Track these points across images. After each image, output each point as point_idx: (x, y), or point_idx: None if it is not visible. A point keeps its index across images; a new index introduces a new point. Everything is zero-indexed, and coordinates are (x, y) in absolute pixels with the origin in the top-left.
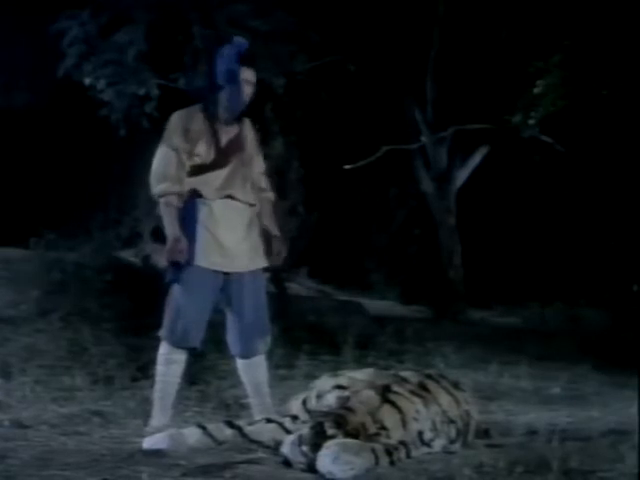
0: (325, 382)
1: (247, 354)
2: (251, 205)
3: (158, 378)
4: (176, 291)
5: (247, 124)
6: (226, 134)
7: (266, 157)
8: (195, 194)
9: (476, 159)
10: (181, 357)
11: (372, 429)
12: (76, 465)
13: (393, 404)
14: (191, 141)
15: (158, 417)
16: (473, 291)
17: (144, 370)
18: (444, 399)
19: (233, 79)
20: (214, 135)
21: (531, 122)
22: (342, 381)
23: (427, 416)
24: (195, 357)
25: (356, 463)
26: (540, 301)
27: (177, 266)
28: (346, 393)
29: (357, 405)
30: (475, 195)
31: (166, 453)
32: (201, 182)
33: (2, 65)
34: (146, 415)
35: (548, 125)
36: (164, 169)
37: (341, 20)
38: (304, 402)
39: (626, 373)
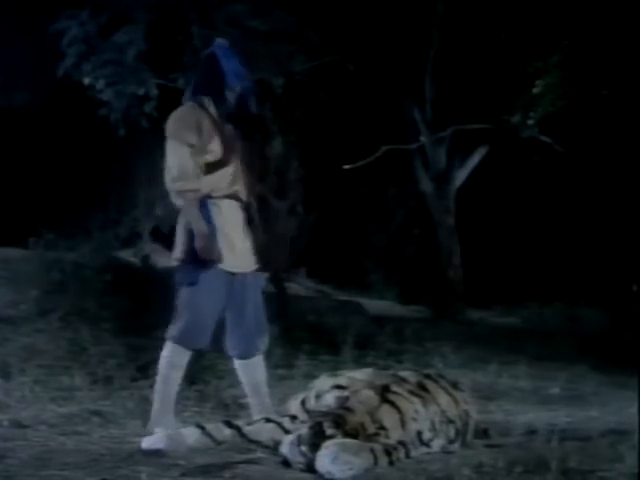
0: (324, 382)
1: (247, 354)
2: (247, 203)
3: (161, 381)
4: (192, 292)
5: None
6: (228, 131)
7: (265, 157)
8: (209, 194)
9: (475, 159)
10: (185, 360)
11: (371, 429)
12: (75, 465)
13: (392, 404)
14: (204, 138)
15: (158, 420)
16: (472, 291)
17: (143, 370)
18: (443, 399)
19: (244, 78)
20: (222, 132)
21: (530, 122)
22: (341, 381)
23: (426, 416)
24: (194, 357)
25: (355, 463)
26: (539, 301)
27: (193, 268)
28: (345, 393)
29: (356, 405)
30: (474, 195)
31: (165, 453)
32: (214, 180)
33: (1, 65)
34: (145, 415)
35: (547, 125)
36: (182, 166)
37: (340, 20)
38: (303, 402)
39: (625, 373)
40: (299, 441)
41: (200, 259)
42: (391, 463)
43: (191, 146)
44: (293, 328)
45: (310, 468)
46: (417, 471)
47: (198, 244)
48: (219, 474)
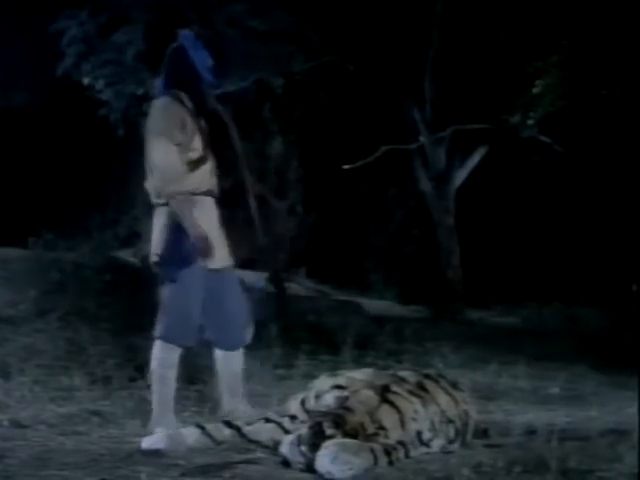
0: (324, 382)
1: (232, 346)
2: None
3: (156, 381)
4: (174, 289)
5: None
6: (203, 125)
7: (265, 157)
8: (189, 191)
9: (475, 159)
10: (176, 357)
11: (371, 429)
12: (74, 465)
13: (392, 404)
14: (188, 135)
15: (158, 420)
16: (471, 291)
17: (142, 370)
18: (443, 399)
19: (212, 73)
20: (200, 128)
21: (530, 122)
22: (341, 381)
23: (426, 416)
24: (193, 357)
25: (355, 463)
26: (538, 301)
27: (176, 265)
28: (345, 393)
29: (356, 405)
30: (474, 195)
31: (165, 453)
32: (199, 177)
33: (1, 65)
34: (144, 415)
35: (547, 125)
36: (172, 167)
37: (340, 20)
38: (303, 402)
39: (624, 373)
40: (299, 441)
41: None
42: (391, 463)
43: (178, 144)
44: (293, 328)
45: (310, 468)
46: (417, 471)
47: (198, 245)
48: (219, 474)
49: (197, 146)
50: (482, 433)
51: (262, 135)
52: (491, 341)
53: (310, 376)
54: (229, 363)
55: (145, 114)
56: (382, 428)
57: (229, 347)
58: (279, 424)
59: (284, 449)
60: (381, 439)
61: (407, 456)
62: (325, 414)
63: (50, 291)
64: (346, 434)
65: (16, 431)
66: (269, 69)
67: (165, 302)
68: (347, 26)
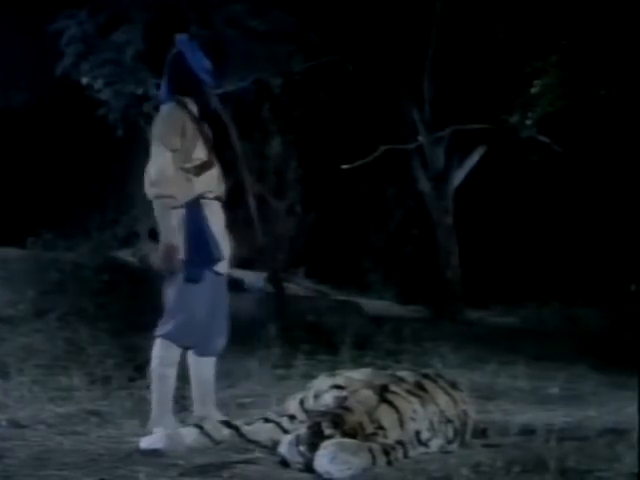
0: (323, 382)
1: (210, 352)
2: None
3: (156, 380)
4: (187, 291)
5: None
6: (207, 131)
7: (264, 157)
8: (202, 196)
9: (474, 159)
10: (177, 357)
11: (369, 429)
12: (73, 465)
13: (390, 404)
14: (188, 142)
15: (157, 420)
16: (471, 291)
17: (141, 370)
18: (441, 399)
19: (210, 74)
20: (204, 133)
21: (528, 122)
22: (339, 381)
23: (424, 416)
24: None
25: (353, 463)
26: (538, 301)
27: (202, 265)
28: (344, 393)
29: (354, 405)
30: (473, 195)
31: (163, 453)
32: (206, 182)
33: (0, 64)
34: (143, 415)
35: (545, 125)
36: (161, 171)
37: (339, 20)
38: (302, 402)
39: (623, 373)
40: (297, 441)
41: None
42: (389, 463)
43: (174, 151)
44: (292, 328)
45: (308, 468)
46: (415, 471)
47: (160, 250)
48: (217, 474)
49: (200, 152)
50: (481, 433)
51: (261, 135)
52: (490, 341)
53: (309, 376)
54: (201, 369)
55: (144, 114)
56: (381, 428)
57: (205, 353)
58: (278, 424)
59: (283, 449)
60: (380, 439)
61: (406, 456)
62: (324, 414)
63: (49, 291)
64: (345, 434)
65: (15, 431)
66: (268, 69)
67: (173, 303)
68: (346, 26)
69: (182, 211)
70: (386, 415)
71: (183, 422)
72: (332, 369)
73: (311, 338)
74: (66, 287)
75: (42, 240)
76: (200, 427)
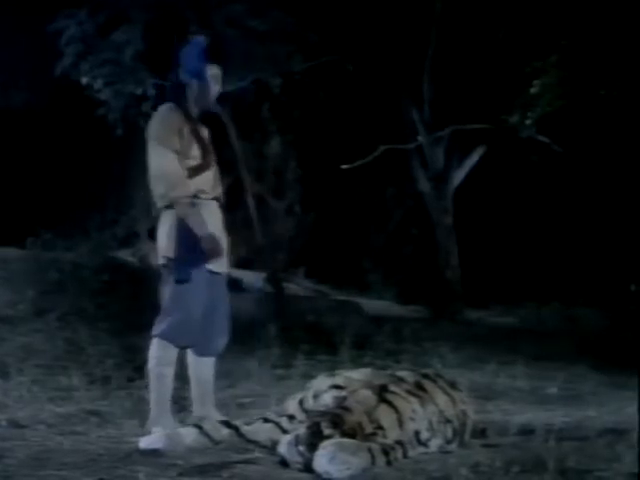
0: (322, 382)
1: (210, 352)
2: (222, 204)
3: (154, 380)
4: (181, 290)
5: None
6: (203, 133)
7: (263, 157)
8: (197, 195)
9: (473, 159)
10: (174, 356)
11: (369, 429)
12: (73, 465)
13: (390, 404)
14: (186, 142)
15: (156, 420)
16: (470, 291)
17: (141, 370)
18: (441, 399)
19: (200, 76)
20: (199, 134)
21: (528, 122)
22: (339, 381)
23: (424, 416)
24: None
25: (353, 463)
26: (537, 301)
27: (188, 265)
28: (343, 393)
29: (354, 405)
30: (472, 195)
31: (163, 453)
32: (201, 182)
33: (0, 64)
34: (143, 415)
35: (545, 125)
36: (174, 173)
37: (338, 20)
38: (301, 402)
39: (623, 373)
40: (297, 441)
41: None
42: (389, 463)
43: (177, 151)
44: (291, 328)
45: (308, 468)
46: (415, 471)
47: (206, 245)
48: (217, 474)
49: (196, 153)
50: (480, 433)
51: (261, 135)
52: (490, 341)
53: (308, 376)
54: (201, 369)
55: (143, 114)
56: (380, 428)
57: (205, 353)
58: (277, 424)
59: (282, 449)
60: (379, 439)
61: (405, 456)
62: (323, 414)
63: (49, 291)
64: (344, 434)
65: (14, 431)
66: (268, 69)
67: (168, 302)
68: (346, 26)
69: (173, 211)
70: (385, 415)
71: (182, 422)
72: (332, 369)
73: (311, 338)
74: (66, 287)
75: (42, 240)
76: (199, 427)
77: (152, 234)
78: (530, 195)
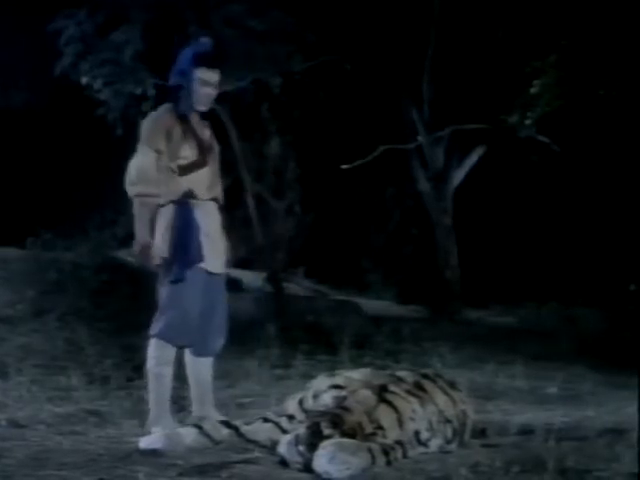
0: (322, 382)
1: (205, 353)
2: (221, 205)
3: (153, 380)
4: (176, 289)
5: (207, 124)
6: (201, 133)
7: (263, 157)
8: (189, 195)
9: (473, 159)
10: (172, 356)
11: (368, 429)
12: (72, 465)
13: (389, 404)
14: (175, 143)
15: (156, 420)
16: (469, 291)
17: (140, 370)
18: (440, 399)
19: (184, 79)
20: (194, 134)
21: (528, 122)
22: (339, 381)
23: (423, 416)
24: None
25: (352, 463)
26: (537, 301)
27: (183, 265)
28: (343, 393)
29: (354, 405)
30: (472, 195)
31: (162, 453)
32: (193, 181)
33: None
34: (142, 415)
35: (545, 125)
36: (142, 170)
37: (338, 20)
38: (301, 402)
39: (622, 373)
40: (297, 441)
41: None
42: (388, 463)
43: (158, 151)
44: (291, 328)
45: (308, 468)
46: (414, 471)
47: (135, 248)
48: (216, 474)
49: (187, 153)
50: (480, 433)
51: (260, 135)
52: (489, 341)
53: (308, 376)
54: (199, 370)
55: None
56: (380, 428)
57: (203, 353)
58: (277, 424)
59: (282, 449)
60: (379, 439)
61: (405, 456)
62: (323, 414)
63: (48, 291)
64: (344, 434)
65: (14, 431)
66: (267, 69)
67: (164, 302)
68: (345, 26)
69: (171, 210)
70: (385, 415)
71: (182, 422)
72: (331, 369)
73: (310, 338)
74: (65, 287)
75: (41, 240)
76: (199, 427)
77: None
78: (530, 195)
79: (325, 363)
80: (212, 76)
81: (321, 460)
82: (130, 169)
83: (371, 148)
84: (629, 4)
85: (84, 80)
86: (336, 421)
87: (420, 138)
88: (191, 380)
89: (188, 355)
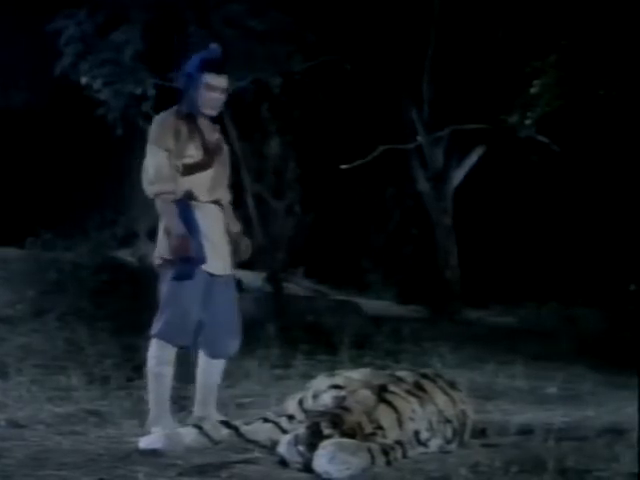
0: (321, 382)
1: (217, 355)
2: (225, 207)
3: (152, 380)
4: (175, 289)
5: (218, 127)
6: (208, 135)
7: (263, 157)
8: (189, 196)
9: (473, 159)
10: (172, 356)
11: (368, 429)
12: (72, 465)
13: (389, 404)
14: (182, 142)
15: (155, 420)
16: (469, 291)
17: (140, 370)
18: (440, 399)
19: (192, 83)
20: (201, 135)
21: (528, 122)
22: (338, 381)
23: (423, 416)
24: (190, 356)
25: (352, 463)
26: (536, 301)
27: (188, 263)
28: (342, 393)
29: (353, 405)
30: (472, 195)
31: (162, 453)
32: (194, 182)
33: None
34: (142, 415)
35: (545, 125)
36: (158, 169)
37: (338, 20)
38: (300, 402)
39: (622, 373)
40: (296, 441)
41: (176, 257)
42: (388, 463)
43: (168, 150)
44: (291, 328)
45: (307, 468)
46: (414, 471)
47: (172, 242)
48: (216, 474)
49: (192, 152)
50: (480, 433)
51: (260, 135)
52: (489, 341)
53: (308, 376)
54: (209, 371)
55: (143, 113)
56: (380, 428)
57: (216, 355)
58: (277, 424)
59: (282, 449)
60: (379, 439)
61: (405, 456)
62: (323, 414)
63: (48, 291)
64: (344, 434)
65: (13, 431)
66: (267, 69)
67: (164, 301)
68: (345, 26)
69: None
70: (385, 415)
71: (182, 422)
72: (331, 369)
73: (310, 338)
74: (65, 287)
75: (41, 240)
76: (199, 427)
77: (152, 234)
78: (529, 195)
79: (325, 363)
80: (220, 81)
81: (321, 460)
82: (146, 170)
83: (371, 148)
84: (629, 4)
85: (84, 80)
86: (336, 421)
87: (420, 138)
88: (199, 381)
89: (202, 357)
